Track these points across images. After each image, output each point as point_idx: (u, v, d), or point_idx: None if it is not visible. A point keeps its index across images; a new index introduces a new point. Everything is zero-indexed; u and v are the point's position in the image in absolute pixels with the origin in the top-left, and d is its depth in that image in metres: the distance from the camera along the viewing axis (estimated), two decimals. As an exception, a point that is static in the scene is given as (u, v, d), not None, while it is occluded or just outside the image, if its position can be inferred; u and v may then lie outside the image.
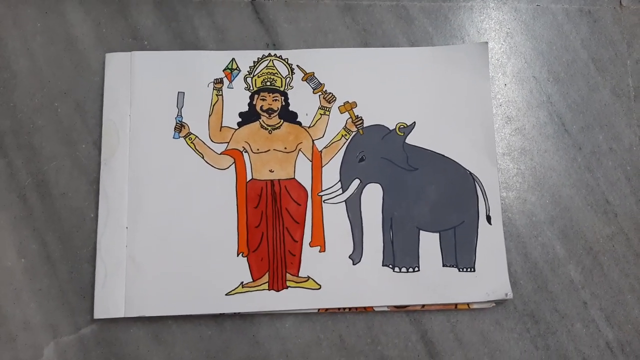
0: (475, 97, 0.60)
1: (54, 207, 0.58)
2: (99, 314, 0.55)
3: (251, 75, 0.61)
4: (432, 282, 0.56)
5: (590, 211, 0.59)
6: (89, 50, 0.62)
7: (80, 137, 0.60)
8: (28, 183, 0.59)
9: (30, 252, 0.57)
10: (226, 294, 0.55)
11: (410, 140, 0.59)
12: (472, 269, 0.57)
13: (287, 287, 0.56)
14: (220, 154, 0.59)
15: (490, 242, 0.57)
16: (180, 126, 0.59)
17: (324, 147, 0.59)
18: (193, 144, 0.59)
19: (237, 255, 0.56)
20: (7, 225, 0.57)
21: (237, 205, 0.58)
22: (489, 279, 0.56)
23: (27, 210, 0.58)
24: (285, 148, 0.59)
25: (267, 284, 0.56)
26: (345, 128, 0.60)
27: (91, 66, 0.61)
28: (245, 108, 0.60)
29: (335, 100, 0.60)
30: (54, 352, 0.55)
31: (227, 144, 0.59)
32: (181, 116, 0.59)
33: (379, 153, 0.59)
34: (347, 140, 0.59)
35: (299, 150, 0.59)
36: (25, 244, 0.57)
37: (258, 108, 0.60)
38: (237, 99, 0.60)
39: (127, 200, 0.57)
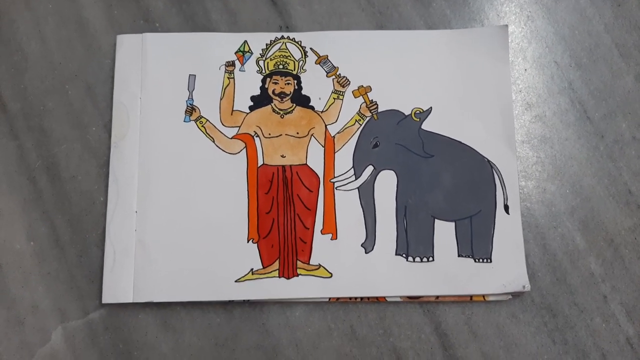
0: (494, 83, 0.59)
1: (64, 190, 0.58)
2: (107, 298, 0.54)
3: (263, 58, 0.59)
4: (446, 272, 0.55)
5: (612, 202, 0.57)
6: (100, 33, 0.61)
7: (90, 120, 0.59)
8: (38, 166, 0.58)
9: (40, 236, 0.57)
10: (236, 281, 0.54)
11: (426, 126, 0.58)
12: (489, 260, 0.55)
13: (297, 275, 0.55)
14: (231, 138, 0.58)
15: (508, 232, 0.56)
16: (191, 109, 0.58)
17: (337, 133, 0.58)
18: (204, 127, 0.58)
19: (247, 242, 0.55)
20: (16, 208, 0.57)
21: (247, 190, 0.57)
22: (506, 270, 0.55)
23: (37, 193, 0.58)
24: (298, 133, 0.58)
25: (277, 271, 0.55)
26: (359, 113, 0.58)
27: (102, 48, 0.61)
28: (257, 92, 0.59)
29: (349, 84, 0.59)
30: (61, 336, 0.55)
31: (238, 128, 0.58)
32: (192, 99, 0.58)
33: (394, 139, 0.58)
34: (360, 125, 0.58)
35: (312, 135, 0.58)
36: (35, 227, 0.57)
37: (270, 92, 0.59)
38: (248, 82, 0.59)
39: (137, 184, 0.57)
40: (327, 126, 0.58)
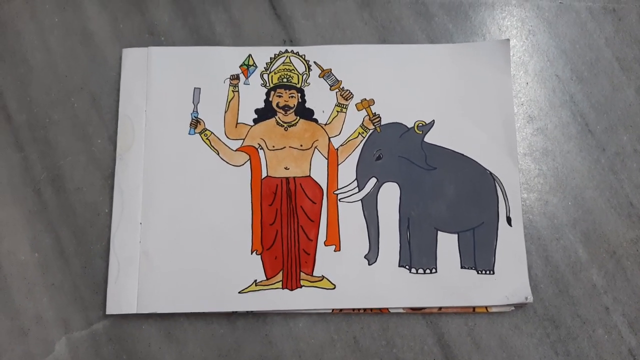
0: (496, 96, 0.59)
1: (69, 201, 0.58)
2: (111, 309, 0.55)
3: (268, 72, 0.60)
4: (449, 284, 0.55)
5: (614, 214, 0.58)
6: (106, 45, 0.62)
7: (95, 132, 0.60)
8: (43, 177, 0.58)
9: (44, 247, 0.57)
10: (239, 292, 0.55)
11: (429, 138, 0.58)
12: (491, 272, 0.55)
13: (301, 287, 0.55)
14: (236, 150, 0.58)
15: (510, 244, 0.56)
16: (195, 122, 0.59)
17: (341, 145, 0.58)
18: (208, 140, 0.58)
19: (251, 253, 0.56)
20: (21, 220, 0.57)
21: (251, 202, 0.57)
22: (508, 281, 0.55)
23: (42, 204, 0.58)
24: (301, 145, 0.58)
25: (280, 282, 0.55)
26: (362, 126, 0.59)
27: (107, 61, 0.61)
28: (261, 104, 0.59)
29: (352, 97, 0.59)
30: (65, 347, 0.55)
31: (242, 141, 0.58)
32: (197, 112, 0.59)
33: (397, 151, 0.58)
34: (364, 138, 0.58)
35: (315, 147, 0.58)
36: (39, 238, 0.57)
37: (274, 105, 0.59)
38: (253, 96, 0.59)
39: (142, 196, 0.57)
40: (331, 139, 0.58)
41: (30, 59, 0.61)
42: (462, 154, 0.58)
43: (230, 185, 0.57)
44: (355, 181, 0.57)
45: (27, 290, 0.56)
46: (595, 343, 0.55)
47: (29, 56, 0.61)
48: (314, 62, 0.60)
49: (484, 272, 0.55)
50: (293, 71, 0.60)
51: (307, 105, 0.59)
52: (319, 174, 0.58)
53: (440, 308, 0.55)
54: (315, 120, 0.59)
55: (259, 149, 0.58)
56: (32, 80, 0.61)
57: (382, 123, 0.59)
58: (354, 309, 0.55)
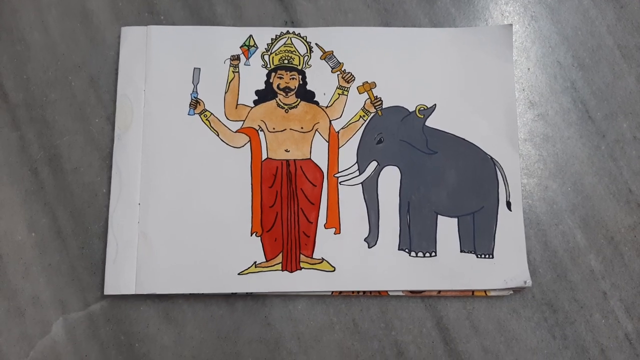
0: (498, 81, 0.59)
1: (66, 181, 0.57)
2: (109, 290, 0.54)
3: (268, 53, 0.59)
4: (449, 267, 0.55)
5: (613, 200, 0.58)
6: (105, 24, 0.61)
7: (93, 112, 0.59)
8: (40, 157, 0.58)
9: (41, 227, 0.56)
10: (239, 274, 0.54)
11: (431, 122, 0.58)
12: (491, 256, 0.56)
13: (300, 269, 0.55)
14: (236, 132, 0.58)
15: (510, 228, 0.56)
16: (195, 103, 0.58)
17: (342, 128, 0.58)
18: (208, 121, 0.58)
19: (251, 235, 0.55)
20: (18, 199, 0.57)
21: (251, 184, 0.57)
22: (507, 266, 0.55)
23: (39, 184, 0.57)
24: (302, 128, 0.58)
25: (280, 264, 0.55)
26: (363, 109, 0.58)
27: (106, 40, 0.60)
28: (262, 86, 0.59)
29: (354, 80, 0.59)
30: (62, 327, 0.54)
31: (242, 122, 0.58)
32: (196, 92, 0.58)
33: (398, 135, 0.58)
34: (365, 121, 0.58)
35: (316, 130, 0.58)
36: (36, 218, 0.57)
37: (275, 86, 0.59)
38: (253, 77, 0.59)
39: (140, 177, 0.57)
40: (332, 121, 0.58)
41: (27, 37, 0.60)
42: (463, 139, 0.58)
43: (230, 167, 0.57)
44: (356, 164, 0.57)
45: (24, 270, 0.56)
46: (592, 327, 0.55)
47: (26, 34, 0.60)
48: (316, 44, 0.60)
49: (483, 256, 0.56)
50: (294, 53, 0.59)
51: (308, 87, 0.59)
52: (320, 156, 0.58)
53: (439, 291, 0.55)
54: (317, 103, 0.59)
55: (259, 131, 0.58)
56: (29, 58, 0.60)
57: (384, 106, 0.59)
58: (353, 292, 0.55)
